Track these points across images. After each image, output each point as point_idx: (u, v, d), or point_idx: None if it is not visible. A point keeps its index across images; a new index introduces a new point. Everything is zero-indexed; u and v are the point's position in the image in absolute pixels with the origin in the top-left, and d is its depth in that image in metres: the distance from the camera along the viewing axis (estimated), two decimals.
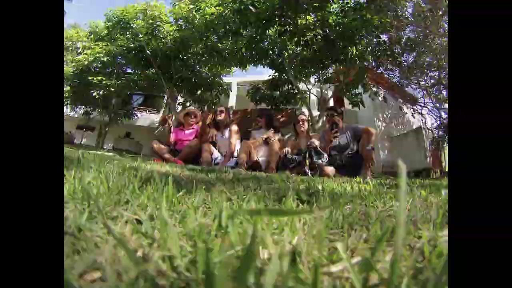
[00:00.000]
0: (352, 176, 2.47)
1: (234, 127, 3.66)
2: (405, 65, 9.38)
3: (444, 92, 9.78)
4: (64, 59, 14.01)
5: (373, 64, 8.61)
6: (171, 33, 8.94)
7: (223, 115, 3.70)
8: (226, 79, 11.80)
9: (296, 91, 8.59)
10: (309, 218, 0.48)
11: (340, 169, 2.97)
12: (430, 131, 10.41)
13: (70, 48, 11.36)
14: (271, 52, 7.62)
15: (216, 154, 3.55)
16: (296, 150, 3.17)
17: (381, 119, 11.49)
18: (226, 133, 3.66)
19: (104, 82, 9.23)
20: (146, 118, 15.76)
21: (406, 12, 8.73)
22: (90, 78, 9.42)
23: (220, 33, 7.59)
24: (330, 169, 2.84)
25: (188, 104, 11.02)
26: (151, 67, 10.03)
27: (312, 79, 9.08)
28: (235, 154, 3.37)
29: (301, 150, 3.04)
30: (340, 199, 0.70)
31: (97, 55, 9.25)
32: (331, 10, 6.50)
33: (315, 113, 9.60)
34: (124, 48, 9.30)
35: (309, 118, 3.39)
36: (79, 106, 12.75)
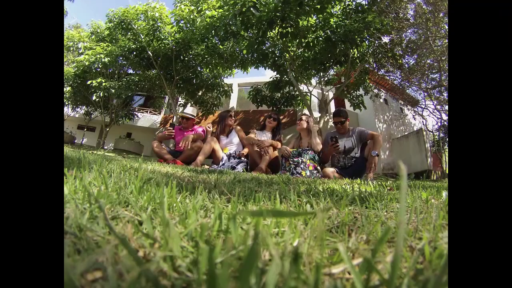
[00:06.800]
0: (354, 178, 2.47)
1: (238, 127, 3.64)
2: (406, 67, 9.39)
3: (445, 94, 9.77)
4: (65, 59, 14.06)
5: (374, 66, 8.62)
6: (172, 34, 8.97)
7: (230, 120, 3.66)
8: (227, 81, 11.83)
9: (297, 92, 8.60)
10: (310, 219, 0.48)
11: (343, 171, 2.97)
12: (431, 133, 10.40)
13: (72, 49, 11.38)
14: (272, 54, 7.64)
15: (221, 154, 3.56)
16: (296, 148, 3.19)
17: (382, 120, 11.49)
18: (231, 134, 3.63)
19: (104, 84, 9.24)
20: (147, 119, 15.83)
21: (408, 14, 8.75)
22: (89, 82, 9.43)
23: (221, 35, 7.60)
24: (330, 170, 2.85)
25: (189, 105, 11.03)
26: (152, 68, 10.06)
27: (313, 81, 9.10)
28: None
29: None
30: (341, 201, 0.70)
31: (98, 55, 9.26)
32: (333, 12, 6.51)
33: (316, 114, 9.62)
34: (125, 49, 9.33)
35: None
36: (80, 106, 12.79)
